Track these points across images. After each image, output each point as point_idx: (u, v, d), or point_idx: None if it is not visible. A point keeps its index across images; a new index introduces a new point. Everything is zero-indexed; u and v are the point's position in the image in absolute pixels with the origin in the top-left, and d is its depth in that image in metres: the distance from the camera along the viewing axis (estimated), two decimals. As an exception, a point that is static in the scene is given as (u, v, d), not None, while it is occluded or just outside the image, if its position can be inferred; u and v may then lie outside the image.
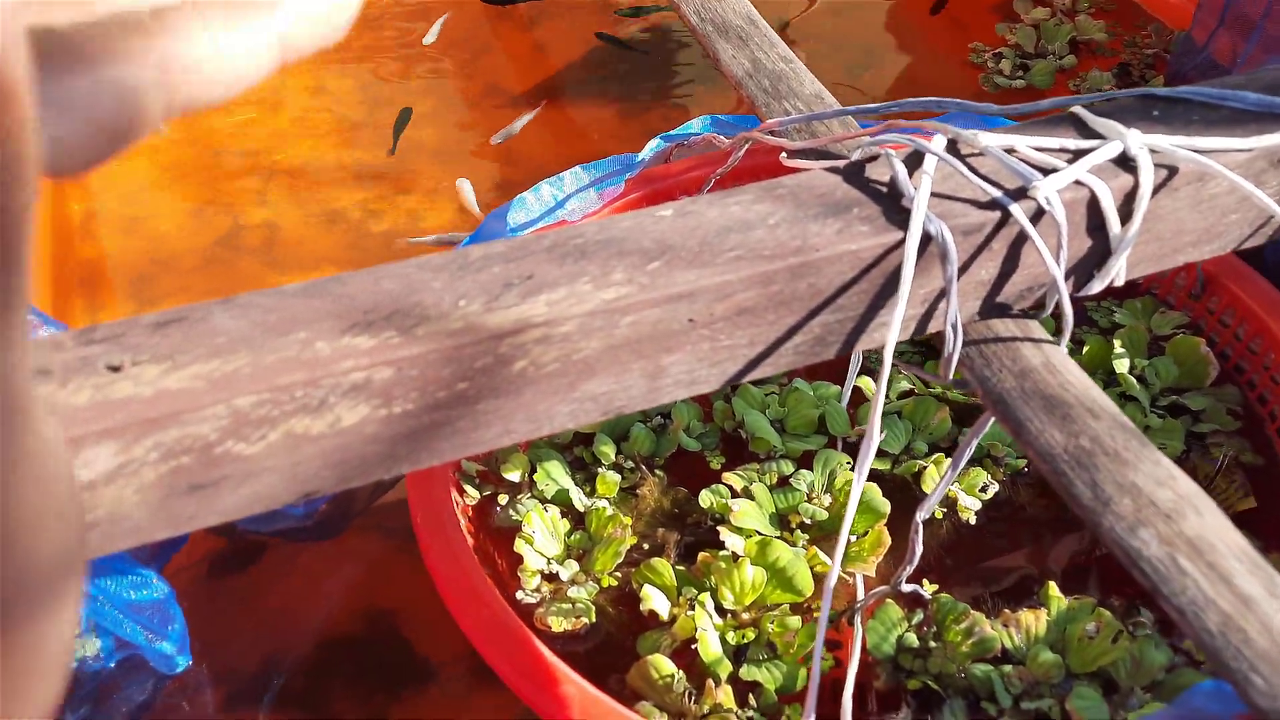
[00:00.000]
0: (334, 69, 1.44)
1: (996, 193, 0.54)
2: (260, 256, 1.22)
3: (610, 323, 0.48)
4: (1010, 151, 0.56)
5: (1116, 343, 0.90)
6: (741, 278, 0.49)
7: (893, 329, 0.51)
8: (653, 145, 1.02)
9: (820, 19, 1.55)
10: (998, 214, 0.54)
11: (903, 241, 0.52)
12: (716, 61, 0.84)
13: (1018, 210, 0.53)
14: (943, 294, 0.55)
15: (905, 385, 0.89)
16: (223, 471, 0.44)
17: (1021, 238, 0.55)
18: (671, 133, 1.03)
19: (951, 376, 0.56)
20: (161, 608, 0.66)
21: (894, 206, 0.53)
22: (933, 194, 0.54)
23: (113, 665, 0.70)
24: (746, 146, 0.79)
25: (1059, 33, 1.45)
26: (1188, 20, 1.31)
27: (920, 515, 0.62)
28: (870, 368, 0.93)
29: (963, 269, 0.55)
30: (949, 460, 0.83)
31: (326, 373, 0.44)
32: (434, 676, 0.88)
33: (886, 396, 0.91)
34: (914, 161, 0.56)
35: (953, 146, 0.57)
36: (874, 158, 0.57)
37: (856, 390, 0.88)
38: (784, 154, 0.74)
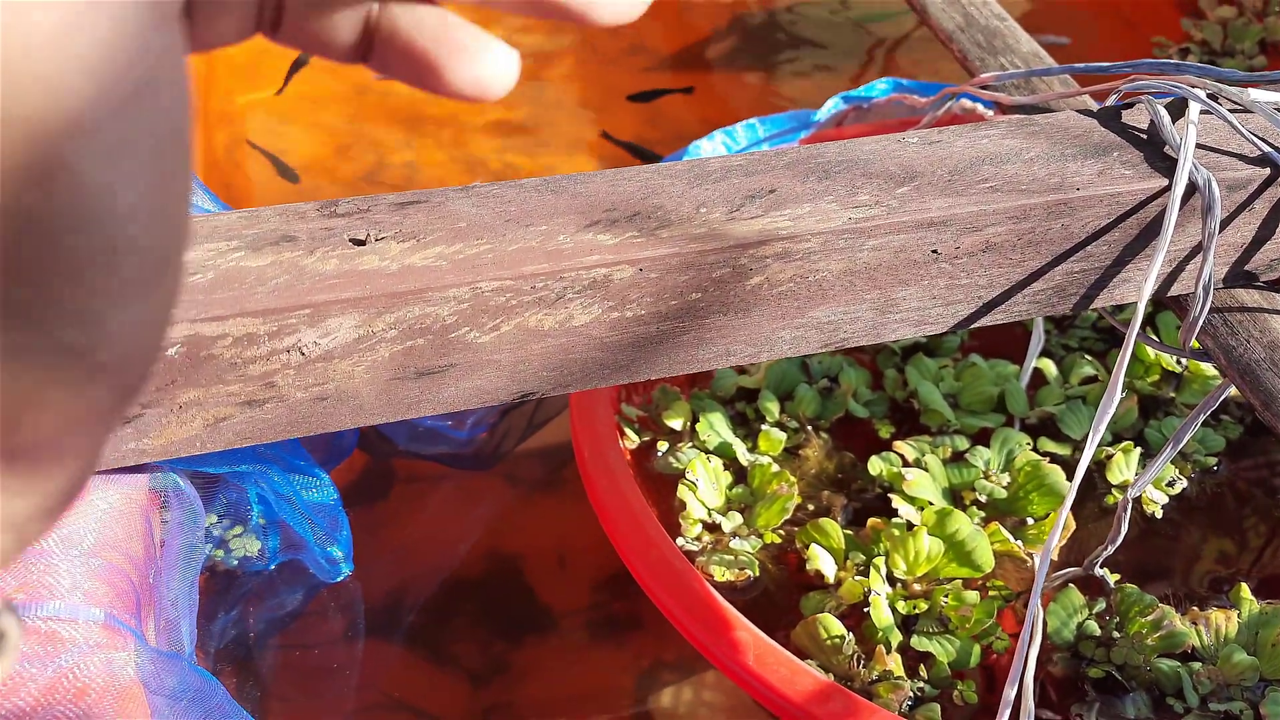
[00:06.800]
0: (481, 19, 1.43)
1: (1267, 148, 0.50)
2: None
3: (853, 244, 0.46)
4: (1280, 109, 0.53)
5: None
6: (995, 210, 0.47)
7: (1148, 281, 0.48)
8: (831, 104, 0.99)
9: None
10: (1266, 171, 0.50)
11: (1167, 189, 0.49)
12: (924, 15, 0.81)
13: (1290, 168, 0.49)
14: (1194, 253, 0.52)
15: (1088, 371, 0.85)
16: (452, 359, 0.43)
17: (1287, 200, 0.51)
18: (851, 93, 0.99)
19: (1192, 344, 0.53)
20: (332, 512, 0.66)
21: (1156, 154, 0.50)
22: (1196, 145, 0.50)
23: (273, 568, 0.70)
24: (949, 104, 0.76)
25: (1248, 33, 1.37)
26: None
27: (1132, 492, 0.58)
28: (1049, 349, 0.89)
29: (1219, 228, 0.51)
30: (1138, 449, 0.79)
31: (569, 266, 0.42)
32: (555, 626, 0.86)
33: (1068, 382, 0.87)
34: (1175, 112, 0.53)
35: (1214, 100, 0.53)
36: (1129, 105, 0.54)
37: (1036, 372, 0.84)
38: (993, 114, 0.70)
